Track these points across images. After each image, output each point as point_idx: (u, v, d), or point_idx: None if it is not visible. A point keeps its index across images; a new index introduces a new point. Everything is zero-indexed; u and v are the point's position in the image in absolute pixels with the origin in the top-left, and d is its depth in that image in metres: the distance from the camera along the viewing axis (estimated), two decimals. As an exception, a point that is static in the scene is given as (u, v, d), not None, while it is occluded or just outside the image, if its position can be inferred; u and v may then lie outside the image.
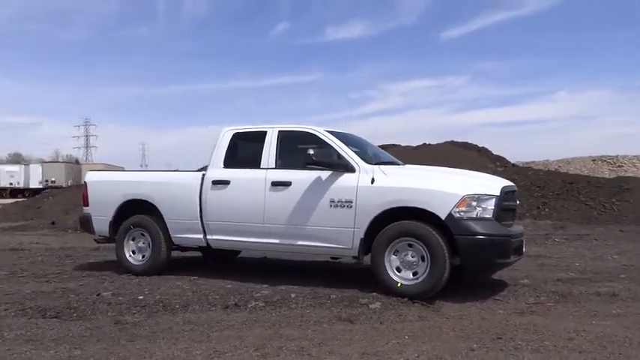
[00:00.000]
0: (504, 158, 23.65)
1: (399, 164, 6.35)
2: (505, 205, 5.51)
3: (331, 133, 6.15)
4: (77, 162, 66.14)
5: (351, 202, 5.62)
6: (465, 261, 5.25)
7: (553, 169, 28.17)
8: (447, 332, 4.32)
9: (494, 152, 24.40)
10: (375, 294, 5.48)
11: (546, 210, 15.55)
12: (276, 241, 6.09)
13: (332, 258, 6.71)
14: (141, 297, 5.54)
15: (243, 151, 6.56)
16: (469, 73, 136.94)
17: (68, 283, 6.47)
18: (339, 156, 5.84)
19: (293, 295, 5.48)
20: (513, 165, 22.95)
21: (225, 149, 6.52)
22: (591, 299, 5.48)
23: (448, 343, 4.01)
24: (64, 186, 38.72)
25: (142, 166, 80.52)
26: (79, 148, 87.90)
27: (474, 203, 5.24)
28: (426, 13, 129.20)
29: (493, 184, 5.51)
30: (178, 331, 4.44)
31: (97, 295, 5.67)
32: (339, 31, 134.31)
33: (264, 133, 6.38)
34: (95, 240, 7.57)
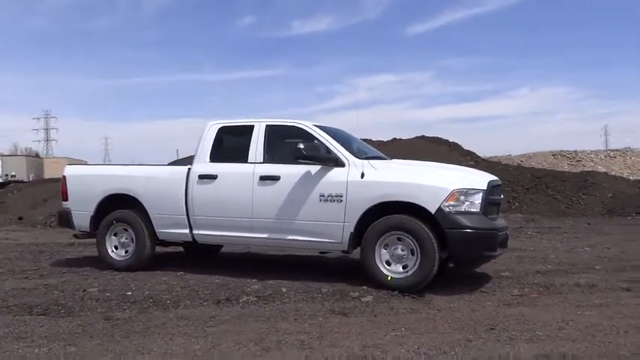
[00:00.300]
0: (474, 153, 24.16)
1: (385, 159, 6.41)
2: (491, 200, 5.64)
3: (319, 127, 6.16)
4: (37, 155, 64.17)
5: (341, 196, 5.65)
6: (454, 254, 5.36)
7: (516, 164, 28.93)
8: (441, 324, 4.40)
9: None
10: (365, 287, 5.53)
11: (516, 204, 15.96)
12: (265, 235, 6.08)
13: (320, 252, 6.73)
14: (129, 293, 5.46)
15: (230, 145, 6.51)
16: (433, 69, 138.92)
17: (49, 279, 6.32)
18: (328, 150, 5.86)
19: (284, 290, 5.48)
20: (483, 160, 23.43)
21: (212, 143, 6.46)
22: (572, 290, 5.66)
23: (444, 335, 4.10)
24: (25, 180, 37.49)
25: (104, 160, 78.65)
26: (39, 141, 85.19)
27: (463, 197, 5.35)
28: (390, 7, 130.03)
29: (480, 179, 5.63)
30: (173, 327, 4.39)
31: (83, 292, 5.56)
32: (305, 24, 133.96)
33: (252, 127, 6.35)
34: (75, 235, 7.40)
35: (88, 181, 7.02)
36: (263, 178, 6.02)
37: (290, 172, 5.94)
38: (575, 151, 35.62)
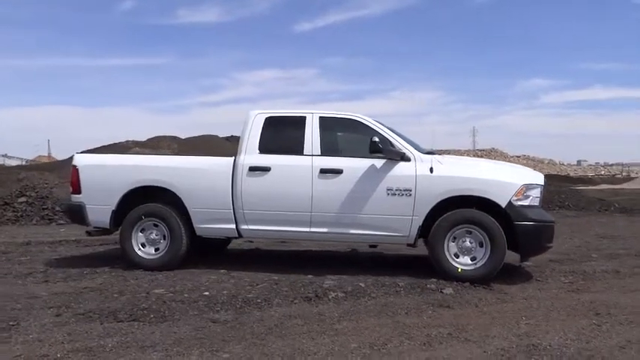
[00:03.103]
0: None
1: (435, 153, 6.55)
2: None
3: (376, 121, 6.14)
4: None
5: (410, 190, 5.70)
6: (523, 246, 5.65)
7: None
8: (550, 312, 4.65)
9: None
10: (434, 279, 5.64)
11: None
12: (324, 230, 5.94)
13: (370, 246, 6.71)
14: (206, 293, 5.06)
15: (280, 136, 6.20)
16: (318, 66, 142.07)
17: (83, 282, 5.62)
18: (392, 144, 5.86)
19: (362, 285, 5.42)
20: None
21: (259, 134, 6.15)
22: (605, 276, 6.23)
23: (567, 321, 4.35)
24: None
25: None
26: None
27: (528, 192, 5.67)
28: (279, 4, 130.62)
29: (537, 174, 6.01)
30: (294, 326, 4.18)
31: (147, 294, 5.05)
32: (191, 14, 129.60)
33: (303, 118, 6.15)
34: (87, 232, 6.62)
35: (110, 171, 6.32)
36: (324, 171, 5.88)
37: (353, 166, 5.86)
38: (448, 151, 38.58)
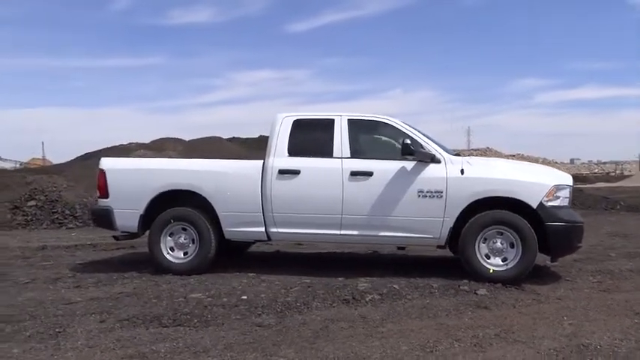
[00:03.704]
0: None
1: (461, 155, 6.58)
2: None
3: (405, 123, 6.16)
4: None
5: (442, 192, 5.73)
6: (554, 247, 5.69)
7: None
8: (588, 312, 4.69)
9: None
10: (466, 281, 5.67)
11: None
12: (355, 232, 5.96)
13: (398, 248, 6.73)
14: (244, 297, 5.07)
15: (308, 139, 6.20)
16: (314, 67, 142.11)
17: (116, 287, 5.62)
18: (422, 146, 5.89)
19: (397, 287, 5.44)
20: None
21: (288, 137, 6.16)
22: (631, 275, 6.28)
23: (609, 321, 4.38)
24: None
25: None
26: None
27: (558, 192, 5.71)
28: (273, 4, 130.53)
29: (565, 175, 6.04)
30: (339, 330, 4.19)
31: (184, 299, 5.05)
32: (185, 14, 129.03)
33: (332, 120, 6.16)
34: (115, 237, 6.61)
35: (138, 175, 6.30)
36: (354, 174, 5.89)
37: (383, 168, 5.88)
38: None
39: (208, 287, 5.50)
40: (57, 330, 4.16)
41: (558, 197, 5.70)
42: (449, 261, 7.04)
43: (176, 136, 25.64)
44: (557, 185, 5.70)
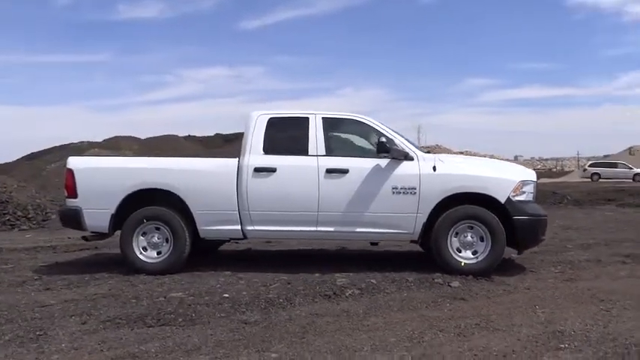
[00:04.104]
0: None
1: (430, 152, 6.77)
2: (535, 189, 6.38)
3: (378, 122, 6.29)
4: None
5: (415, 188, 5.89)
6: (521, 240, 5.95)
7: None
8: (557, 300, 4.96)
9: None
10: (438, 274, 5.85)
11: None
12: (331, 229, 6.05)
13: (371, 243, 6.86)
14: (226, 295, 5.06)
15: (284, 137, 6.24)
16: (265, 64, 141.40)
17: (90, 288, 5.48)
18: (396, 144, 6.03)
19: (374, 281, 5.56)
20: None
21: (263, 134, 6.18)
22: (588, 265, 6.62)
23: (577, 308, 4.65)
24: None
25: None
26: None
27: (524, 188, 5.98)
28: (225, 0, 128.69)
29: (529, 171, 6.34)
30: (326, 324, 4.27)
31: (165, 298, 5.00)
32: (132, 9, 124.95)
33: (306, 119, 6.23)
34: (84, 238, 6.44)
35: (108, 174, 6.17)
36: (330, 171, 5.98)
37: (358, 166, 6.00)
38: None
39: (186, 286, 5.45)
40: (37, 333, 4.04)
41: (524, 192, 5.97)
42: (416, 255, 7.26)
43: (126, 135, 25.07)
44: (523, 181, 5.98)
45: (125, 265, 6.21)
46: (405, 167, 5.96)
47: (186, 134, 25.41)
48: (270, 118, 6.27)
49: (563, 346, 3.70)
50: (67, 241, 9.62)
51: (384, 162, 5.98)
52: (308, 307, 4.79)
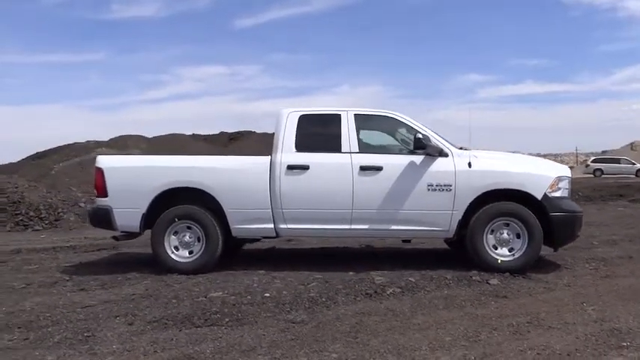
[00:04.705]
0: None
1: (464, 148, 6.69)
2: (569, 186, 6.32)
3: (410, 118, 6.23)
4: None
5: (451, 185, 5.83)
6: (558, 236, 5.90)
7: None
8: (602, 296, 4.91)
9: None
10: (475, 271, 5.79)
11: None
12: (365, 226, 5.98)
13: (403, 241, 6.80)
14: (267, 294, 4.99)
15: (315, 134, 6.17)
16: (261, 63, 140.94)
17: (125, 289, 5.41)
18: (430, 141, 5.97)
19: (412, 280, 5.50)
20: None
21: (295, 132, 6.11)
22: (620, 262, 6.56)
23: (626, 305, 4.60)
24: None
25: None
26: None
27: (560, 184, 5.93)
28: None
29: (564, 167, 6.28)
30: (375, 323, 4.22)
31: (205, 298, 4.93)
32: (127, 8, 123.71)
33: (338, 116, 6.16)
34: (114, 237, 6.36)
35: (139, 173, 6.09)
36: (364, 169, 5.91)
37: (393, 163, 5.94)
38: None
39: (223, 286, 5.38)
40: (85, 334, 3.99)
41: (560, 188, 5.92)
42: (443, 252, 7.23)
43: (132, 134, 24.89)
44: (559, 177, 5.92)
45: (153, 264, 6.15)
46: (440, 164, 5.90)
47: (191, 132, 25.42)
48: (302, 116, 6.20)
49: (625, 344, 3.66)
50: (84, 242, 9.57)
51: (418, 159, 5.92)
52: (351, 306, 4.73)
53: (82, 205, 13.63)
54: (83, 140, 21.13)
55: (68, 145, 22.26)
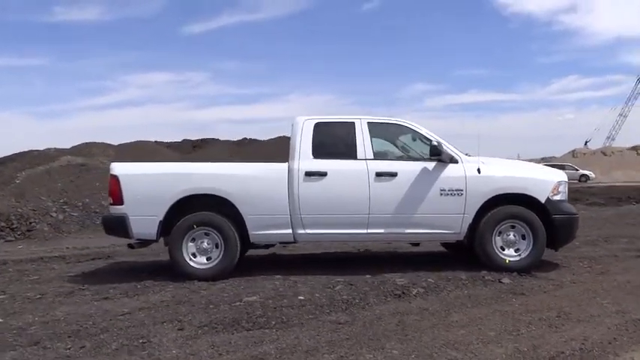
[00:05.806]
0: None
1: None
2: (564, 189, 6.76)
3: (421, 126, 6.51)
4: None
5: (462, 190, 6.14)
6: (559, 237, 6.30)
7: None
8: (609, 291, 5.32)
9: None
10: (485, 271, 6.11)
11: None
12: (381, 231, 6.20)
13: (412, 244, 7.04)
14: (301, 297, 5.11)
15: (331, 141, 6.33)
16: (209, 70, 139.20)
17: (152, 296, 5.38)
18: (442, 147, 6.25)
19: (432, 280, 5.75)
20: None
21: (311, 139, 6.27)
22: (609, 260, 7.05)
23: (637, 299, 5.01)
24: None
25: None
26: None
27: (560, 188, 6.35)
28: (167, 4, 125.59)
29: (561, 172, 6.71)
30: (415, 322, 4.43)
31: (241, 302, 5.00)
32: (69, 11, 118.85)
33: (352, 124, 6.37)
34: (130, 245, 6.29)
35: (156, 180, 6.07)
36: (380, 175, 6.14)
37: (406, 169, 6.19)
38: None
39: (253, 291, 5.44)
40: (141, 341, 4.00)
41: (560, 192, 6.34)
42: (439, 255, 7.56)
43: (97, 141, 24.18)
44: (559, 181, 6.34)
45: (164, 271, 6.22)
46: (451, 170, 6.20)
47: (152, 140, 25.03)
48: (317, 123, 6.37)
49: (652, 332, 4.02)
50: (69, 252, 9.36)
51: (430, 165, 6.20)
52: (385, 305, 4.93)
53: (54, 215, 13.23)
54: (42, 148, 20.39)
55: (25, 152, 21.37)
